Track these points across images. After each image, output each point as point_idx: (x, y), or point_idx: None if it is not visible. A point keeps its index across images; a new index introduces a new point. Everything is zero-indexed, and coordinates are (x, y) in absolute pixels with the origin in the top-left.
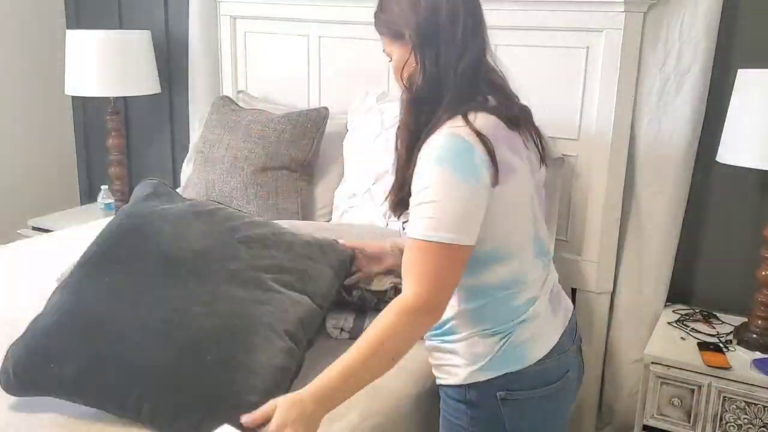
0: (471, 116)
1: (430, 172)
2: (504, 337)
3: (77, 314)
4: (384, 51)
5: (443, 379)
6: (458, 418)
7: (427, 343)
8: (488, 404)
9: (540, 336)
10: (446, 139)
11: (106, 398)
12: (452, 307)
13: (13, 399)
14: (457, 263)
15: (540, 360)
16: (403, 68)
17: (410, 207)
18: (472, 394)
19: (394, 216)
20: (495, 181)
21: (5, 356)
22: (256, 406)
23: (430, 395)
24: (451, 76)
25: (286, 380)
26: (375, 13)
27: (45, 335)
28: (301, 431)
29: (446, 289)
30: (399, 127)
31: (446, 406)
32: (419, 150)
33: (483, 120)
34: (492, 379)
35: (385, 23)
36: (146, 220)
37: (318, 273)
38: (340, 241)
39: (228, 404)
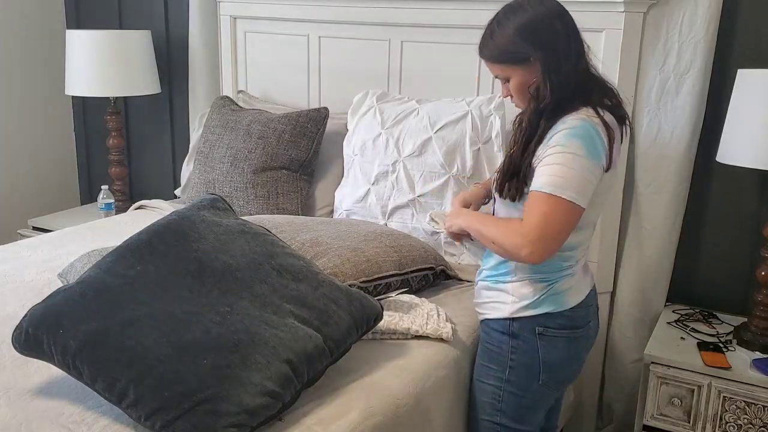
0: (600, 110)
1: (566, 142)
2: (549, 285)
3: (99, 290)
4: (498, 76)
5: (489, 313)
6: (499, 347)
7: (480, 283)
8: (527, 336)
9: (575, 289)
10: (582, 122)
11: (97, 376)
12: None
13: (13, 399)
14: (572, 220)
15: (572, 307)
16: (528, 86)
17: (539, 166)
18: (515, 326)
19: (499, 195)
20: (607, 167)
21: (25, 314)
22: (234, 416)
23: (430, 395)
24: (572, 81)
25: (275, 406)
26: (484, 44)
27: (63, 302)
28: (450, 217)
29: (555, 238)
30: (521, 127)
31: (489, 338)
32: (545, 132)
33: (608, 116)
34: (534, 316)
35: (503, 52)
36: (194, 225)
37: (339, 318)
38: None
39: (206, 408)
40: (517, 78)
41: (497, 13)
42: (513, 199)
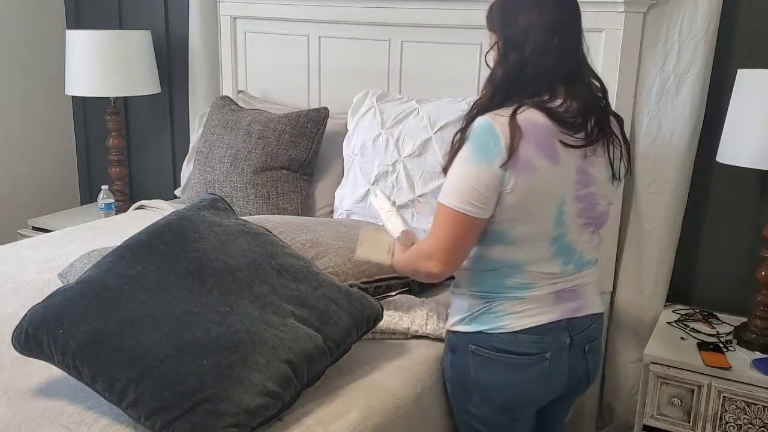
0: (522, 109)
1: (462, 149)
2: (487, 302)
3: (99, 290)
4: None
5: (448, 321)
6: (444, 359)
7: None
8: (462, 352)
9: (521, 313)
10: (480, 123)
11: (97, 376)
12: (463, 268)
13: (13, 399)
14: (464, 229)
15: (514, 332)
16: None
17: None
18: (453, 340)
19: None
20: (512, 166)
21: (25, 315)
22: (234, 416)
23: (430, 395)
24: (528, 73)
25: (275, 406)
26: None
27: (63, 302)
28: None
29: (453, 250)
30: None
31: (444, 349)
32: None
33: (530, 114)
34: (467, 332)
35: (488, 16)
36: (194, 225)
37: (339, 318)
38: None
39: (206, 408)
40: (495, 50)
41: None
42: None
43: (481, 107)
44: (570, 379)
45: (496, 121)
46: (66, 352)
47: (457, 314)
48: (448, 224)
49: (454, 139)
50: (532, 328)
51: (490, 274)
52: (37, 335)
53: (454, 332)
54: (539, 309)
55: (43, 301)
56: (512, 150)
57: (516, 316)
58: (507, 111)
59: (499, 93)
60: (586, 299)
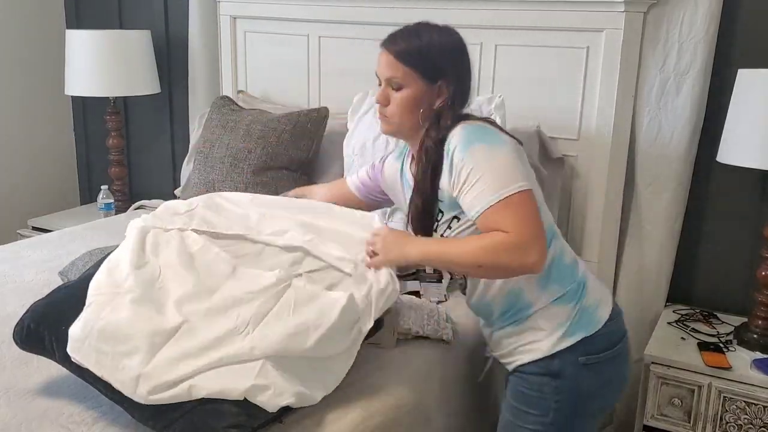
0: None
1: (468, 155)
2: (576, 304)
3: None
4: (392, 79)
5: (521, 359)
6: (541, 391)
7: (497, 333)
8: (570, 371)
9: (602, 300)
10: (463, 127)
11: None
12: (518, 284)
13: (13, 399)
14: (535, 208)
15: (606, 323)
16: (419, 105)
17: (462, 193)
18: (555, 364)
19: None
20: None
21: (26, 310)
22: (235, 417)
23: (431, 395)
24: (465, 107)
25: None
26: (402, 37)
27: (67, 298)
28: (386, 251)
29: (540, 233)
30: (419, 157)
31: (524, 383)
32: (438, 156)
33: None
34: (573, 345)
35: (421, 56)
36: None
37: None
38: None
39: (207, 408)
40: (413, 91)
41: (420, 21)
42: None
43: (439, 130)
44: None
45: (477, 123)
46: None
47: (553, 333)
48: (522, 210)
49: (426, 157)
50: (612, 310)
51: (550, 264)
52: (38, 331)
53: (555, 354)
54: (603, 290)
55: (46, 297)
56: (516, 141)
57: (601, 305)
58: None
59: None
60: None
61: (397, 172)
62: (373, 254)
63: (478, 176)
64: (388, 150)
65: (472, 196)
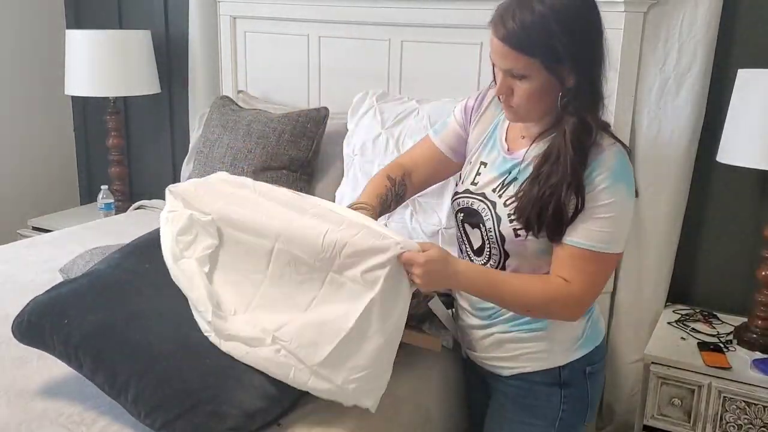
0: (611, 131)
1: (613, 190)
2: (587, 316)
3: (107, 283)
4: (511, 70)
5: (529, 366)
6: (548, 401)
7: (501, 336)
8: (578, 380)
9: (599, 313)
10: (618, 156)
11: (99, 368)
12: None
13: (13, 400)
14: (614, 268)
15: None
16: (543, 95)
17: (589, 216)
18: (565, 374)
19: (524, 230)
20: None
21: (27, 304)
22: (234, 419)
23: (431, 396)
24: (598, 95)
25: (274, 410)
26: (509, 18)
27: (70, 293)
28: (427, 277)
29: (599, 291)
30: (561, 152)
31: (531, 393)
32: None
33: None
34: (584, 356)
35: (534, 39)
36: None
37: None
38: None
39: (207, 409)
40: (537, 81)
41: None
42: (538, 235)
43: (583, 141)
44: None
45: (622, 152)
46: (69, 342)
47: (570, 344)
48: (602, 273)
49: (577, 155)
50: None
51: None
52: (39, 324)
53: (567, 365)
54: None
55: (47, 291)
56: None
57: (600, 315)
58: (610, 139)
59: (582, 124)
60: None
61: (491, 124)
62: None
63: (607, 216)
64: (388, 150)
65: (584, 226)
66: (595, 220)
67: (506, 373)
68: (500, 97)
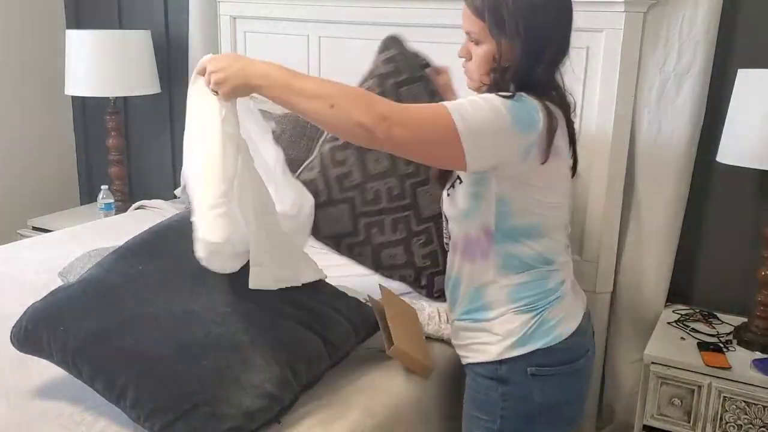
0: (543, 99)
1: (494, 96)
2: (537, 315)
3: (101, 288)
4: (469, 33)
5: (472, 357)
6: (488, 395)
7: (456, 323)
8: (519, 380)
9: (567, 316)
10: (519, 97)
11: (98, 374)
12: (492, 282)
13: (13, 400)
14: (440, 141)
15: (566, 338)
16: (493, 62)
17: None
18: (503, 370)
19: (439, 185)
20: (547, 155)
21: (24, 311)
22: (233, 419)
23: (431, 395)
24: (538, 82)
25: (273, 409)
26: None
27: (66, 299)
28: (220, 73)
29: (413, 134)
30: None
31: (475, 384)
32: None
33: (551, 105)
34: (523, 354)
35: (494, 9)
36: None
37: (336, 323)
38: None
39: (205, 411)
40: (489, 47)
41: None
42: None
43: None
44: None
45: (534, 101)
46: (66, 349)
47: (504, 339)
48: (429, 124)
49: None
50: (577, 327)
51: (530, 280)
52: (36, 332)
53: (504, 361)
54: (574, 305)
55: (44, 298)
56: (552, 134)
57: (565, 320)
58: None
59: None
60: (579, 287)
61: None
62: (215, 85)
63: (471, 99)
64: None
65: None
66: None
67: (464, 362)
68: (463, 61)
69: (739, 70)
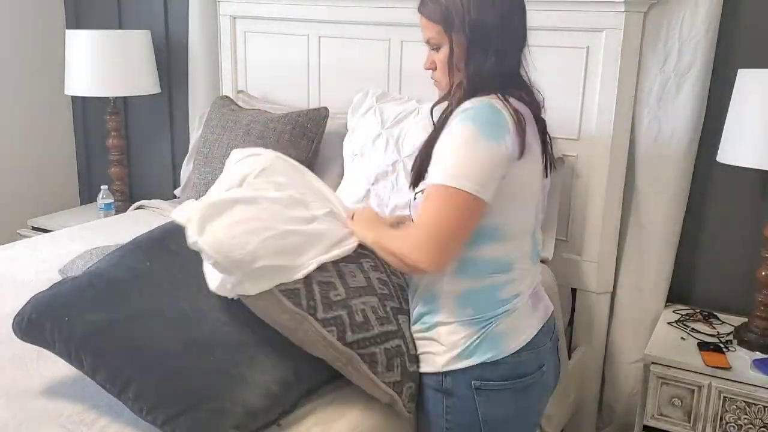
0: (509, 98)
1: (458, 127)
2: (483, 327)
3: (109, 282)
4: (429, 41)
5: (422, 367)
6: (434, 407)
7: (414, 333)
8: (463, 393)
9: (517, 329)
10: (480, 104)
11: (101, 366)
12: (442, 287)
13: (13, 400)
14: (469, 214)
15: (516, 352)
16: (453, 62)
17: (432, 158)
18: (448, 382)
19: (412, 189)
20: (521, 151)
21: (28, 301)
22: (237, 417)
23: None
24: (492, 72)
25: (276, 410)
26: (427, 2)
27: (72, 290)
28: (356, 230)
29: (453, 237)
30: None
31: (423, 395)
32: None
33: (516, 103)
34: (468, 367)
35: (446, 10)
36: None
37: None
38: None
39: (209, 407)
40: (446, 50)
41: None
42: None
43: (460, 97)
44: (554, 381)
45: (493, 103)
46: (70, 340)
47: (449, 351)
48: (451, 209)
49: (437, 119)
50: (529, 342)
51: (486, 290)
52: (40, 321)
53: (448, 372)
54: (528, 318)
55: (49, 288)
56: (522, 132)
57: (514, 334)
58: (493, 97)
59: (470, 88)
60: (545, 299)
61: None
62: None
63: (449, 148)
64: (388, 150)
65: (433, 167)
66: (440, 155)
67: (419, 370)
68: (430, 73)
69: (739, 70)
